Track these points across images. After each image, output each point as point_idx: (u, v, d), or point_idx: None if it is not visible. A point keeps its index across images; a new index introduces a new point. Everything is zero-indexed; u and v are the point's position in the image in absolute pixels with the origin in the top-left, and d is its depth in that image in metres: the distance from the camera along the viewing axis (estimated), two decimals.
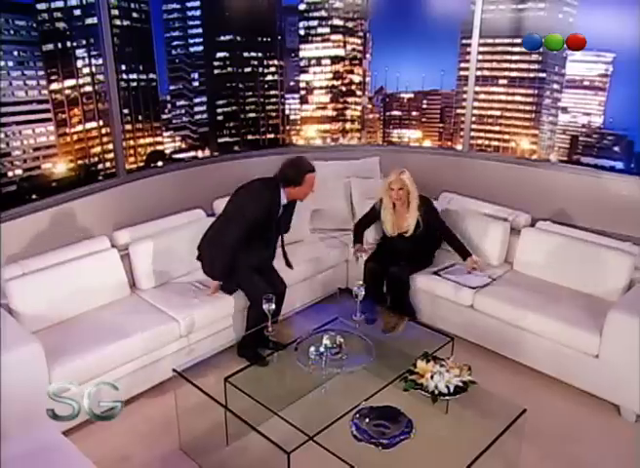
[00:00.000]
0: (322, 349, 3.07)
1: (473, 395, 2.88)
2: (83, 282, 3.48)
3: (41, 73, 5.26)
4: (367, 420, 2.66)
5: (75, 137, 5.61)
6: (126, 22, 5.70)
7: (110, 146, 5.71)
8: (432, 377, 2.79)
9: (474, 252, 4.17)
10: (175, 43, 6.14)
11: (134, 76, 5.88)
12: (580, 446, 3.17)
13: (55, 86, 5.37)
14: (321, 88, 6.88)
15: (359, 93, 6.95)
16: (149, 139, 6.18)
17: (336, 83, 6.86)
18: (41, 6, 5.18)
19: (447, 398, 2.77)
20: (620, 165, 6.22)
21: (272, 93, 6.74)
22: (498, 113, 6.70)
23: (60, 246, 3.71)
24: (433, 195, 4.45)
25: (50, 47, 5.31)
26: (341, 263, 4.46)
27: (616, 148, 6.25)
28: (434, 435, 2.85)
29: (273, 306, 3.17)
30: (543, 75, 6.41)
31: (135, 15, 5.77)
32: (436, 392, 2.77)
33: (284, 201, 3.58)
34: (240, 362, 3.32)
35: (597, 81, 6.19)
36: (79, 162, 5.62)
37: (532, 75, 6.46)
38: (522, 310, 3.62)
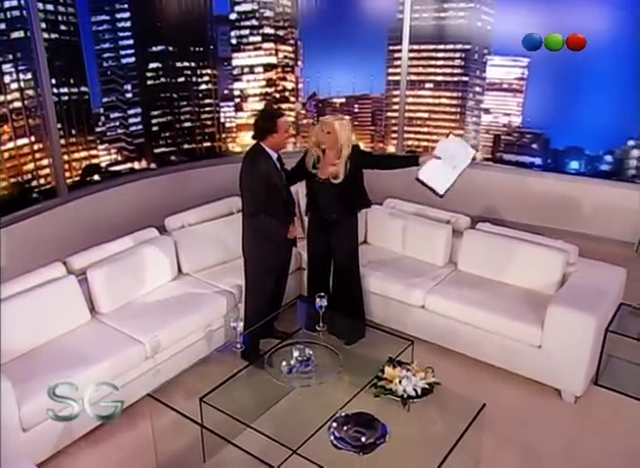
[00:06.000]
0: (293, 362, 3.20)
1: (434, 393, 3.12)
2: (43, 311, 3.44)
3: None
4: (345, 428, 2.81)
5: (6, 155, 5.41)
6: (54, 35, 5.54)
7: (44, 162, 5.59)
8: (400, 382, 2.99)
9: (420, 254, 4.44)
10: (106, 55, 6.02)
11: (65, 90, 5.73)
12: (530, 429, 3.49)
13: None
14: (255, 95, 6.97)
15: (292, 99, 7.09)
16: (84, 153, 6.05)
17: (269, 90, 6.97)
18: None
19: (415, 400, 2.98)
20: (538, 161, 6.72)
21: (207, 101, 6.77)
22: (426, 115, 7.04)
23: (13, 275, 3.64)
24: (378, 200, 4.66)
25: None
26: (296, 271, 4.58)
27: (534, 146, 6.75)
28: (404, 435, 3.03)
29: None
30: (466, 79, 6.80)
31: (63, 27, 5.62)
32: (405, 396, 2.97)
33: (274, 155, 3.66)
34: (207, 378, 3.34)
35: (515, 84, 6.64)
36: (12, 180, 5.43)
37: (456, 79, 6.84)
38: (470, 307, 3.90)
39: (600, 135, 6.15)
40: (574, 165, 6.53)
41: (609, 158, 6.31)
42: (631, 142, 6.11)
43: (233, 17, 6.62)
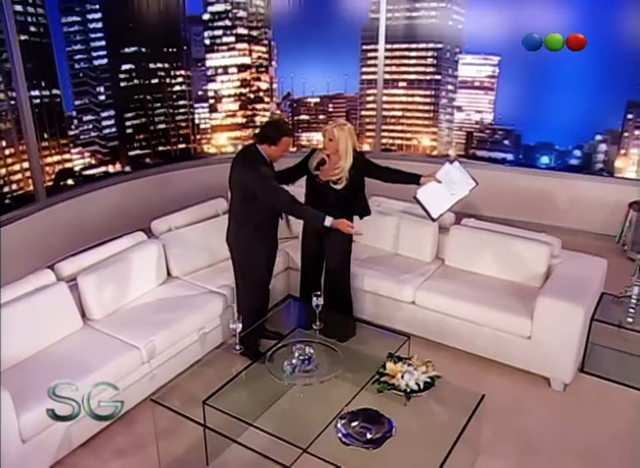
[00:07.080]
0: (294, 361, 3.21)
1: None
2: (35, 319, 3.36)
3: None
4: (352, 424, 2.84)
5: None
6: (24, 37, 5.40)
7: (16, 167, 5.44)
8: (403, 377, 3.04)
9: (408, 251, 4.50)
10: (77, 56, 5.90)
11: (36, 93, 5.58)
12: (523, 417, 3.59)
13: None
14: (229, 96, 6.94)
15: (267, 99, 7.08)
16: (57, 157, 5.91)
17: (243, 90, 6.95)
18: None
19: (419, 395, 3.02)
20: (510, 156, 6.88)
21: (181, 103, 6.71)
22: (399, 114, 7.13)
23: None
24: None
25: None
26: (284, 272, 4.59)
27: (506, 142, 6.91)
28: (407, 429, 3.06)
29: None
30: (439, 77, 6.91)
31: (33, 29, 5.48)
32: (408, 390, 3.01)
33: (267, 159, 3.65)
34: (205, 381, 3.34)
35: (486, 81, 6.79)
36: None
37: (428, 77, 6.95)
38: (459, 302, 3.98)
39: (569, 130, 6.35)
40: (544, 160, 6.70)
41: (578, 153, 6.51)
42: (599, 137, 6.32)
43: (206, 17, 6.57)
